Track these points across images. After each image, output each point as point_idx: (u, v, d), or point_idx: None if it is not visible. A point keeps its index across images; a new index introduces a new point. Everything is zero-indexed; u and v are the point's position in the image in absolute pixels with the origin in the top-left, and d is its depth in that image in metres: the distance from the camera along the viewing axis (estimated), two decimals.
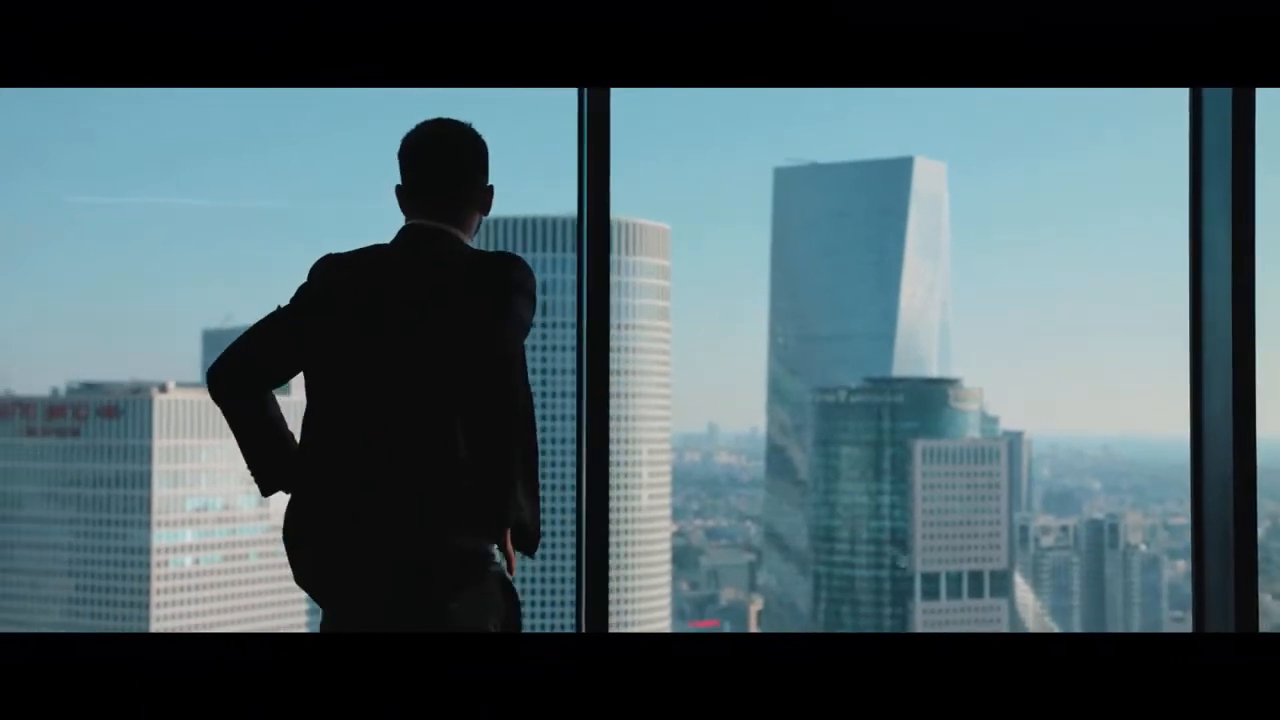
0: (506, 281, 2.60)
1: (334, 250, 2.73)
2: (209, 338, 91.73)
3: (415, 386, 2.52)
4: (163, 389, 73.61)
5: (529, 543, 2.63)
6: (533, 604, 73.18)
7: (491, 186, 2.75)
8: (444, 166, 2.68)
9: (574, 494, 3.58)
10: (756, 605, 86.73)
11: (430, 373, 2.52)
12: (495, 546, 2.51)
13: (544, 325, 74.52)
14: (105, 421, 72.35)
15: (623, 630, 75.86)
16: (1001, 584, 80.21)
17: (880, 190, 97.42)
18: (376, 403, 2.53)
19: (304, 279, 2.69)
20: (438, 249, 2.66)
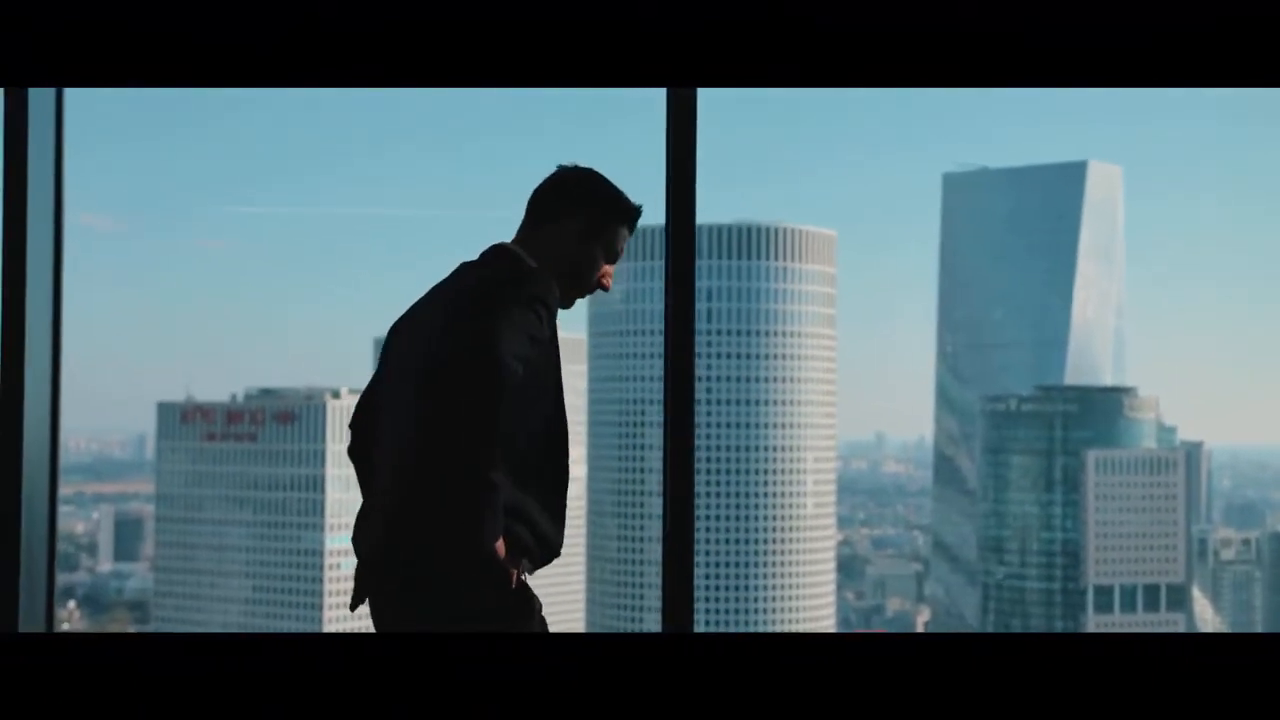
0: (488, 304, 2.56)
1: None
2: (380, 345, 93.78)
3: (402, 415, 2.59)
4: (335, 395, 75.42)
5: (534, 558, 2.60)
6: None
7: (585, 212, 2.73)
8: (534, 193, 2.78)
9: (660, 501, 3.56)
10: (924, 616, 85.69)
11: (413, 400, 2.56)
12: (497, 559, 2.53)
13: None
14: (281, 427, 74.39)
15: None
16: (1178, 598, 78.07)
17: (1053, 195, 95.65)
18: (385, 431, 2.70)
19: None
20: (466, 273, 2.70)
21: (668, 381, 3.50)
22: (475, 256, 2.75)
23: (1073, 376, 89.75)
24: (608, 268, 2.77)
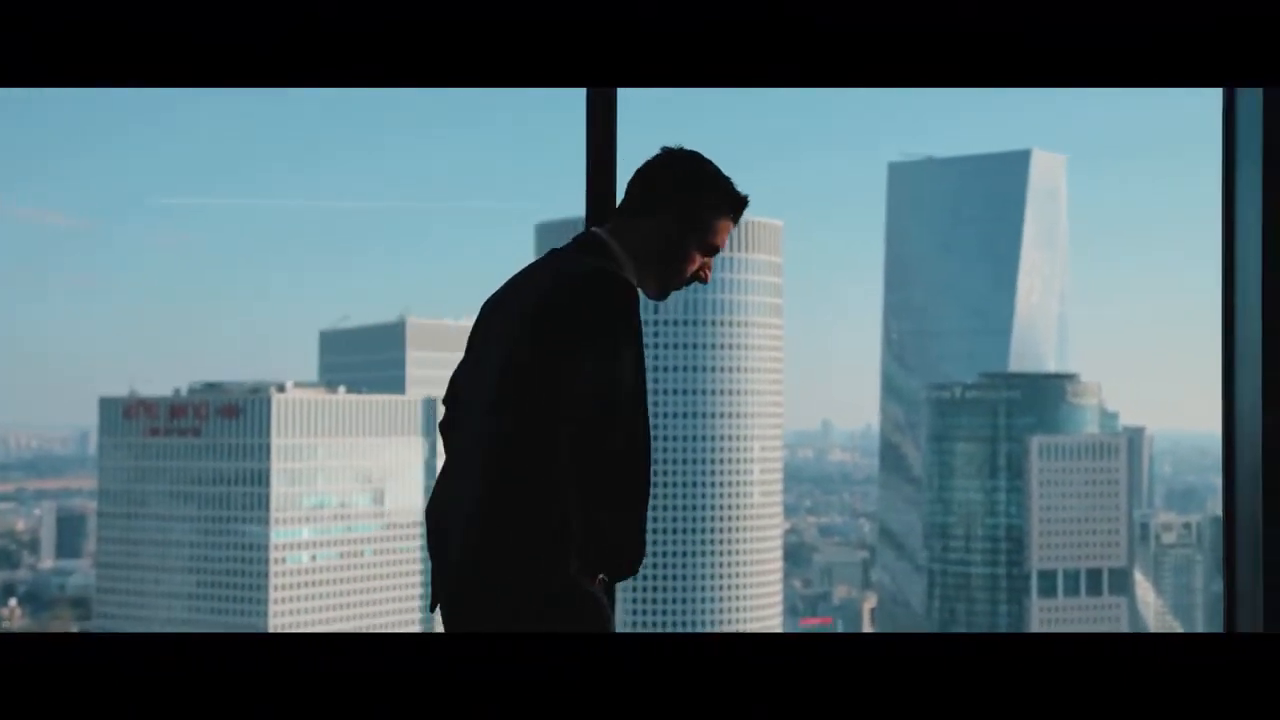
0: (543, 312, 2.43)
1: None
2: (325, 338, 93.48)
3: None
4: (281, 389, 75.04)
5: (612, 573, 2.51)
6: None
7: (686, 201, 2.55)
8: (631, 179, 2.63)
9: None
10: (870, 603, 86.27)
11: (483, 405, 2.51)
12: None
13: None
14: (225, 421, 73.92)
15: (736, 630, 75.77)
16: (1121, 582, 78.96)
17: (997, 184, 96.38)
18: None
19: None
20: (555, 266, 2.55)
21: None
22: (568, 241, 2.60)
23: (1016, 363, 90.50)
24: (707, 260, 2.61)
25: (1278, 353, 3.38)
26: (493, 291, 2.64)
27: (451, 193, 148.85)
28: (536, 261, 2.61)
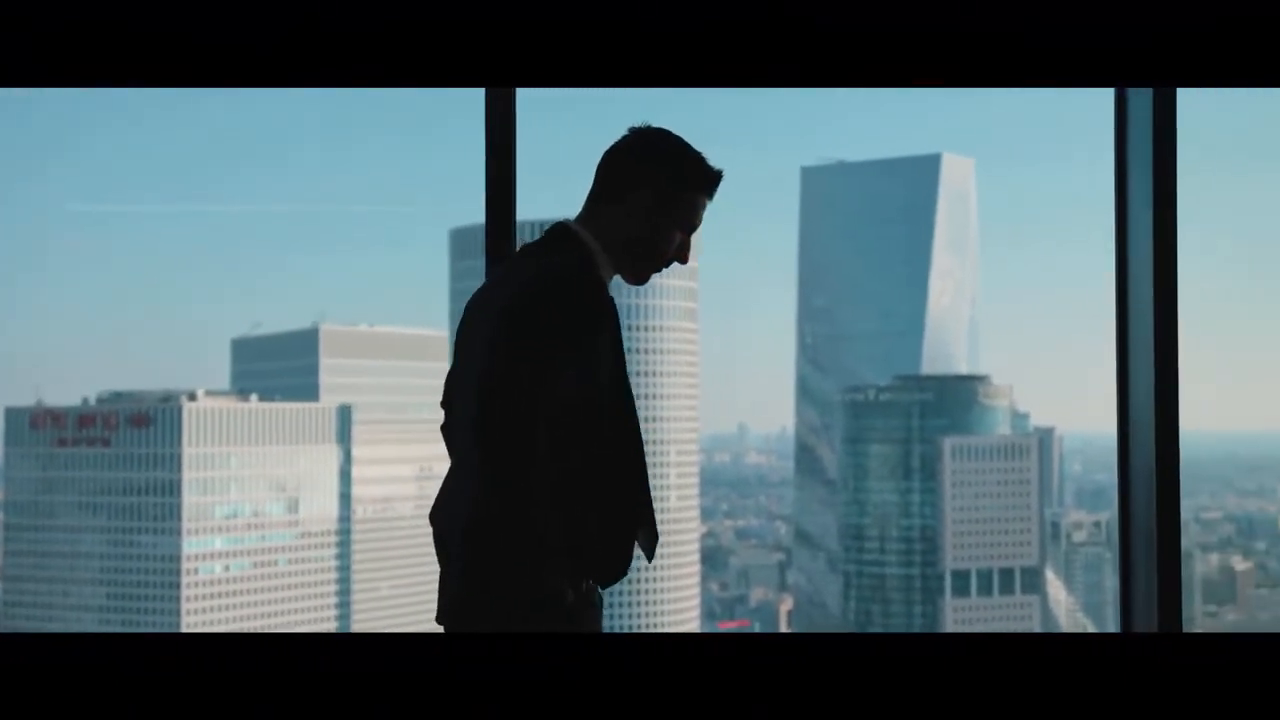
0: (508, 318, 2.36)
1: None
2: (238, 346, 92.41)
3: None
4: (192, 397, 74.06)
5: (600, 578, 2.46)
6: None
7: (659, 182, 2.46)
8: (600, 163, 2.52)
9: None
10: (786, 604, 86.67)
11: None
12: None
13: None
14: (135, 430, 72.84)
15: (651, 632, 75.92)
16: (1033, 581, 79.91)
17: (908, 187, 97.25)
18: None
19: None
20: (523, 263, 2.49)
21: None
22: (538, 236, 2.51)
23: (929, 366, 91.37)
24: (686, 239, 2.52)
25: (1169, 352, 3.44)
26: (472, 292, 2.61)
27: (365, 197, 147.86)
28: (510, 259, 2.56)
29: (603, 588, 2.44)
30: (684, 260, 2.53)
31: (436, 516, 2.48)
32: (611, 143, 2.51)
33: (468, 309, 2.53)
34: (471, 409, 2.37)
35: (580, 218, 2.51)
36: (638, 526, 2.46)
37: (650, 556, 2.47)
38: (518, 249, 2.57)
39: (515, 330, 2.34)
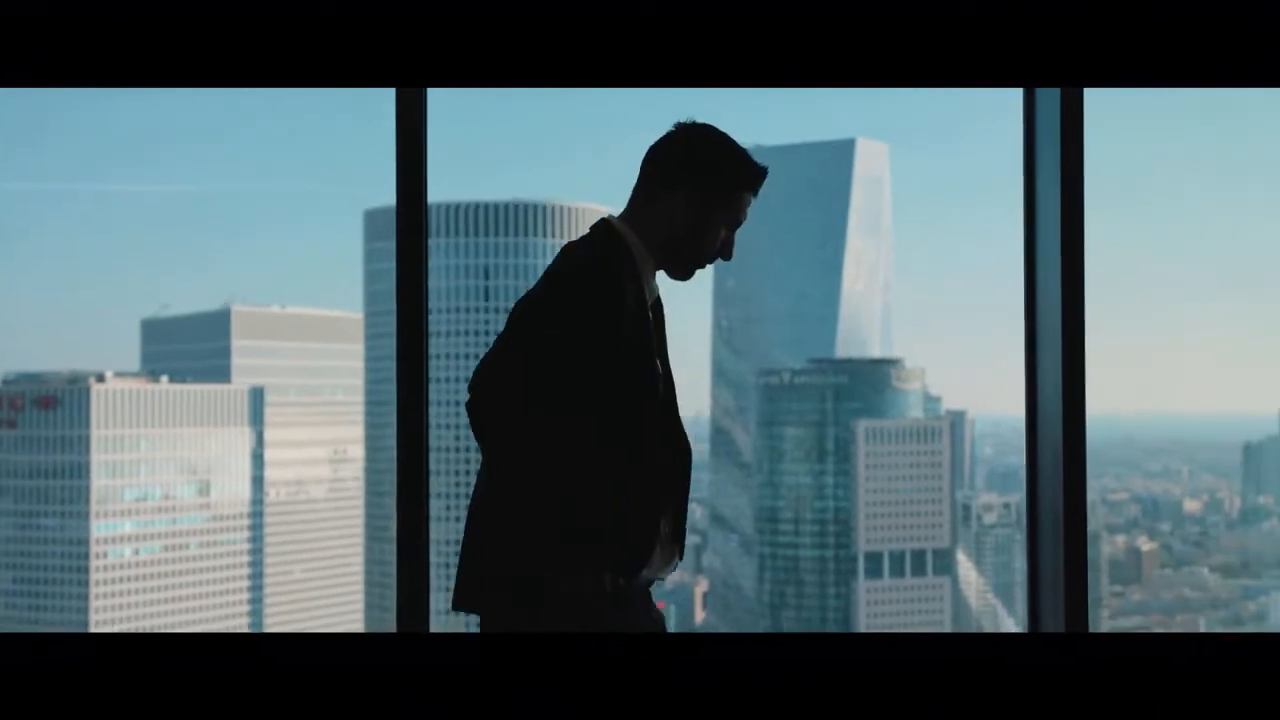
0: (528, 311, 2.42)
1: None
2: (147, 327, 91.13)
3: None
4: (100, 379, 72.98)
5: (623, 572, 2.43)
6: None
7: (703, 178, 2.49)
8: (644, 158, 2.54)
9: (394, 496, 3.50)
10: (702, 587, 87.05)
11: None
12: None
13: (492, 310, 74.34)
14: (42, 412, 71.65)
15: None
16: (944, 562, 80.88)
17: (823, 172, 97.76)
18: None
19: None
20: (562, 253, 2.51)
21: (400, 374, 3.44)
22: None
23: (843, 349, 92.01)
24: (730, 235, 2.55)
25: (1076, 337, 3.51)
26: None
27: (277, 177, 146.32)
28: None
29: (626, 580, 2.38)
30: (727, 256, 2.54)
31: (470, 510, 2.49)
32: (653, 138, 2.54)
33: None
34: (499, 397, 2.39)
35: (624, 214, 2.53)
36: (655, 520, 2.42)
37: (653, 575, 2.45)
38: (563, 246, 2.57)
39: (520, 320, 2.39)
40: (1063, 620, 3.36)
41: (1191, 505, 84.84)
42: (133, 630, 69.47)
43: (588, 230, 2.53)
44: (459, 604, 2.42)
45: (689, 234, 2.49)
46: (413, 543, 3.40)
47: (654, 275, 2.53)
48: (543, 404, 2.34)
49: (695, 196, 2.48)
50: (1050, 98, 3.48)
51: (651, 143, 2.55)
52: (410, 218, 3.42)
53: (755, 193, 2.56)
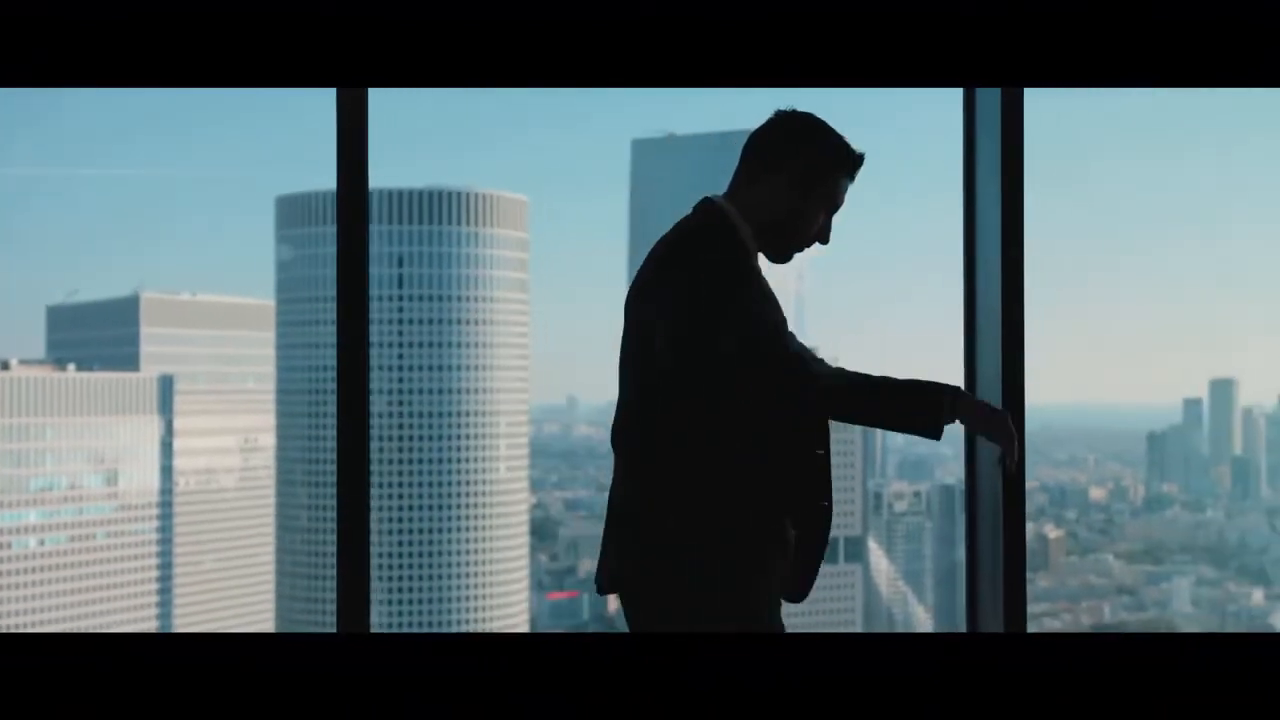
0: (657, 275, 2.47)
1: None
2: (53, 314, 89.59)
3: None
4: (5, 366, 71.71)
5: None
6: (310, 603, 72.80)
7: (803, 164, 2.56)
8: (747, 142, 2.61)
9: (334, 487, 3.47)
10: None
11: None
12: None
13: (405, 298, 73.87)
14: None
15: (484, 605, 75.79)
16: (856, 549, 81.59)
17: (736, 161, 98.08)
18: None
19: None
20: (668, 236, 2.56)
21: (341, 370, 3.42)
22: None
23: None
24: (828, 219, 2.60)
25: (1015, 328, 3.55)
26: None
27: (187, 163, 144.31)
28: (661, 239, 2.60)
29: (800, 532, 2.52)
30: (825, 240, 2.61)
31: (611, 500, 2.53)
32: (753, 126, 2.63)
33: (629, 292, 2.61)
34: (631, 374, 2.47)
35: (727, 196, 2.59)
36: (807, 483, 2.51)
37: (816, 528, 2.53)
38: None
39: (651, 293, 2.45)
40: (1001, 608, 3.41)
41: (1097, 493, 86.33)
42: (38, 622, 68.42)
43: (690, 211, 2.59)
44: (613, 589, 2.49)
45: (790, 217, 2.55)
46: (354, 543, 3.37)
47: (755, 257, 2.59)
48: (714, 363, 2.38)
49: (796, 181, 2.55)
50: (990, 95, 3.52)
51: (748, 131, 2.66)
52: (355, 235, 3.40)
53: (852, 178, 2.62)
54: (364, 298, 3.40)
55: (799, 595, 2.54)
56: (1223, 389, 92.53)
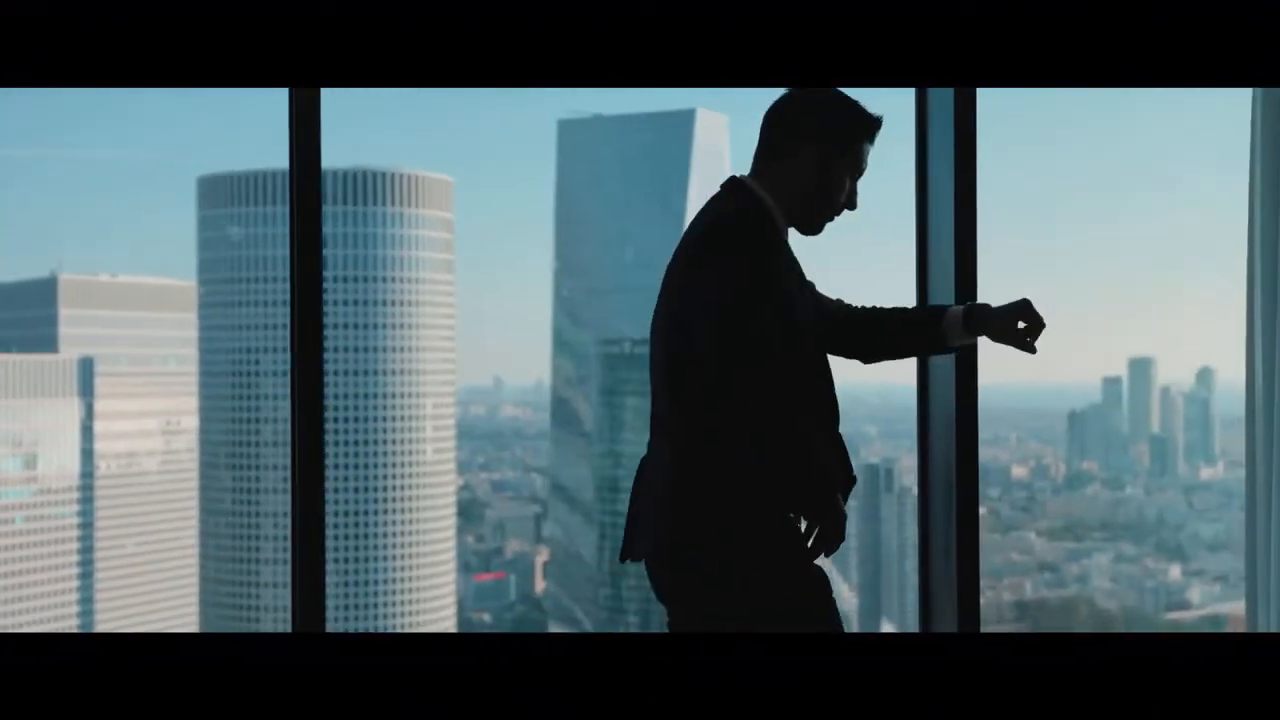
0: (692, 267, 2.52)
1: None
2: None
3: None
4: None
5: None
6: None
7: (825, 135, 2.60)
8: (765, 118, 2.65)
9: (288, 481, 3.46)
10: (542, 556, 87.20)
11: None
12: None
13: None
14: None
15: (410, 587, 75.50)
16: None
17: (663, 142, 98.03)
18: None
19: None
20: (700, 216, 2.62)
21: (294, 354, 3.41)
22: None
23: None
24: (854, 186, 2.65)
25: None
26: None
27: (106, 142, 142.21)
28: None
29: (809, 520, 2.57)
30: (853, 206, 2.65)
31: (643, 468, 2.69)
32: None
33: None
34: (669, 346, 2.54)
35: (752, 173, 2.64)
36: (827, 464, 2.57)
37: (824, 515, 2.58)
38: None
39: (682, 275, 2.51)
40: (955, 591, 3.48)
41: (1019, 471, 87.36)
42: None
43: (718, 189, 2.66)
44: (639, 555, 2.59)
45: (818, 187, 2.60)
46: (308, 539, 3.36)
47: (786, 231, 2.65)
48: (753, 344, 2.44)
49: (821, 149, 2.59)
50: (943, 99, 3.55)
51: (767, 105, 2.69)
52: (307, 228, 3.39)
53: (872, 141, 2.66)
54: (319, 296, 3.39)
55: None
56: (1141, 368, 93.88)
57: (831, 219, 2.67)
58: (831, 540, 2.52)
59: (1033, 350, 2.72)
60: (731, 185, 2.63)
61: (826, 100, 2.64)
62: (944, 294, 3.58)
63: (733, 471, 2.45)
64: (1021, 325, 2.69)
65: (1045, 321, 2.67)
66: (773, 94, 2.73)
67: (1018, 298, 2.75)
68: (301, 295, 3.31)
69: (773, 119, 2.65)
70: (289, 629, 3.12)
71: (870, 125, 2.65)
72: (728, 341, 2.44)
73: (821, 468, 2.52)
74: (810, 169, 2.59)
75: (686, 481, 2.52)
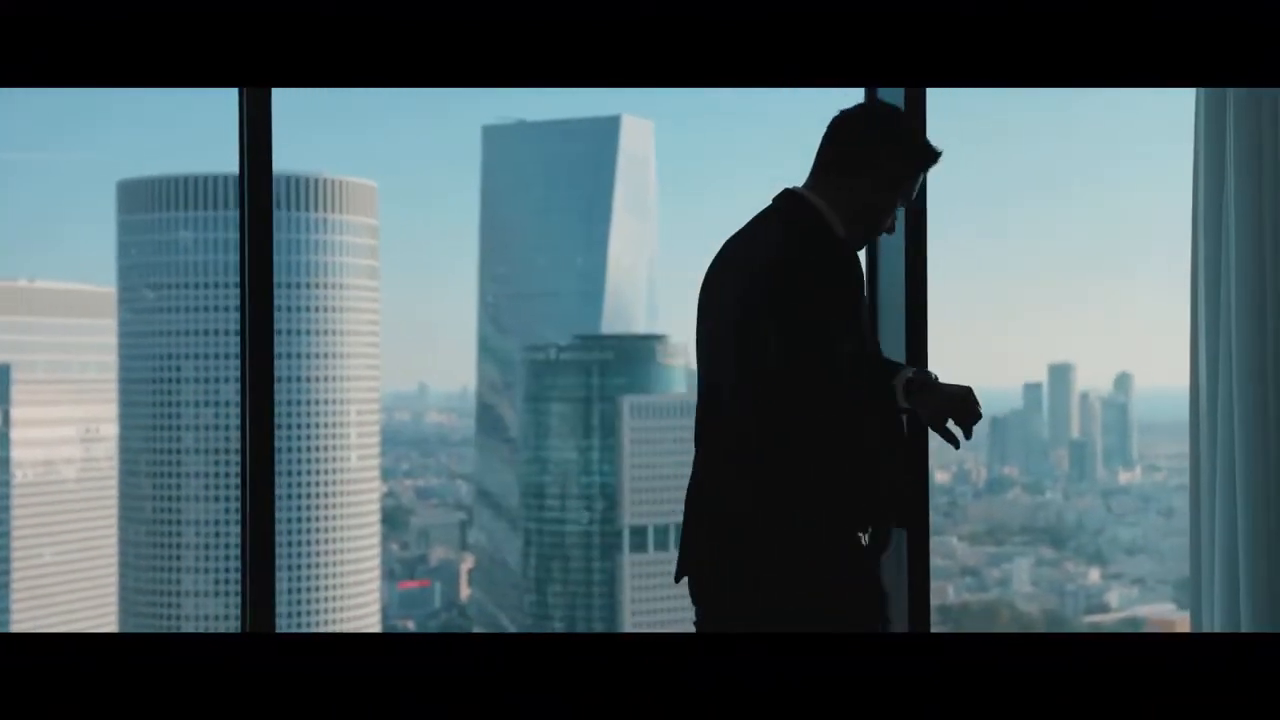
0: (759, 275, 2.52)
1: None
2: None
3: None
4: None
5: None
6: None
7: (893, 161, 2.61)
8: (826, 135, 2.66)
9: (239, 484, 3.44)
10: (468, 564, 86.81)
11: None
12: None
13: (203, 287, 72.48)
14: None
15: (334, 595, 74.96)
16: None
17: (589, 148, 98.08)
18: None
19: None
20: (770, 231, 2.60)
21: (244, 349, 3.39)
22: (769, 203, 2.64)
23: (609, 325, 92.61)
24: (896, 212, 2.69)
25: (919, 312, 3.64)
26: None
27: (21, 144, 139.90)
28: (750, 226, 2.62)
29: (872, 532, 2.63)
30: (891, 231, 2.70)
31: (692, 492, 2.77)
32: (840, 112, 2.69)
33: (716, 266, 2.63)
34: (730, 373, 2.52)
35: (810, 184, 2.64)
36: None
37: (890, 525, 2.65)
38: (755, 216, 2.65)
39: (784, 286, 2.48)
40: (905, 586, 3.51)
41: (942, 476, 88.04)
42: None
43: (771, 202, 2.66)
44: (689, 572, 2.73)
45: (870, 211, 2.62)
46: (259, 543, 3.34)
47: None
48: (829, 370, 2.48)
49: (882, 178, 2.62)
50: (893, 99, 3.58)
51: (833, 118, 2.70)
52: (259, 234, 3.37)
53: (926, 173, 2.71)
54: (270, 301, 3.37)
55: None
56: (1061, 373, 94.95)
57: (873, 240, 2.73)
58: (886, 546, 2.61)
59: (957, 446, 2.71)
60: (795, 199, 2.64)
61: (895, 127, 2.66)
62: (894, 295, 3.60)
63: (816, 489, 2.51)
64: (951, 424, 2.66)
65: (981, 413, 2.64)
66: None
67: (962, 384, 2.69)
68: (254, 300, 3.28)
69: (838, 135, 2.66)
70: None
71: (932, 159, 2.69)
72: (807, 359, 2.47)
73: (890, 481, 2.59)
74: (867, 192, 2.61)
75: (769, 501, 2.56)
